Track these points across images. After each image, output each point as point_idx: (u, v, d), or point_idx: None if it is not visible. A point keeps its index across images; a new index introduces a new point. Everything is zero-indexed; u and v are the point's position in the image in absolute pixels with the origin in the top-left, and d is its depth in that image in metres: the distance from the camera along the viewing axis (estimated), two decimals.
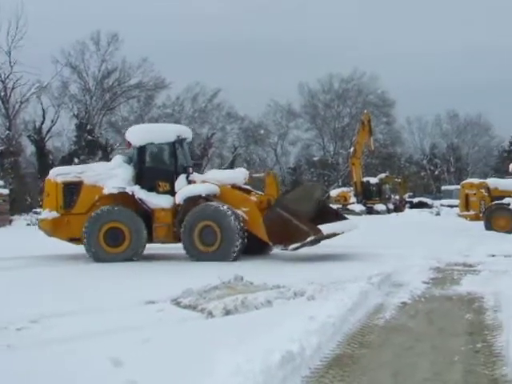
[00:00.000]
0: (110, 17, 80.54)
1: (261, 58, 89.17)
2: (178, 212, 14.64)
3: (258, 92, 79.13)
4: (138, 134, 15.67)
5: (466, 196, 24.87)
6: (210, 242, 14.14)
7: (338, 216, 15.75)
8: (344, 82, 68.70)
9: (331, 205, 23.97)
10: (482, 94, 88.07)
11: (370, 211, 39.73)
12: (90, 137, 52.10)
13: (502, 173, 43.45)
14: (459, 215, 26.10)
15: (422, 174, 72.36)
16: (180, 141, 15.44)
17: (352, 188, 43.66)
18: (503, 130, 70.09)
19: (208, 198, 14.53)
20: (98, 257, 14.63)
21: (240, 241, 13.97)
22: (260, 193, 15.61)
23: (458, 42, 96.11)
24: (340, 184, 59.63)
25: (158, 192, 14.97)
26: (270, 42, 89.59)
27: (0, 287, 10.32)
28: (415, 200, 50.20)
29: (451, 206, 38.48)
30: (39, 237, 16.24)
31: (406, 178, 52.44)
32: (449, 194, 48.24)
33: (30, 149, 53.17)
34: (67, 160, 50.02)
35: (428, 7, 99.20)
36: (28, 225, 31.76)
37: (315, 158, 69.00)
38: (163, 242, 15.05)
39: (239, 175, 15.63)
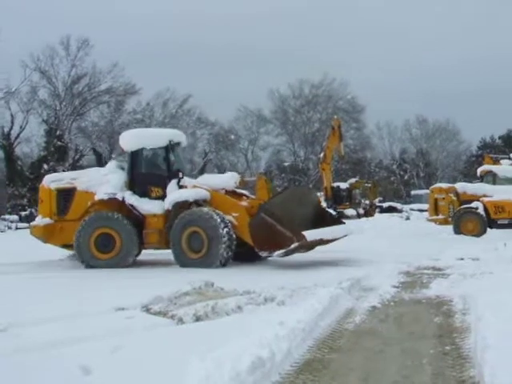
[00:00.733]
0: (80, 21, 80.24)
1: (231, 64, 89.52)
2: (168, 217, 14.48)
3: (229, 97, 79.65)
4: (130, 139, 15.54)
5: (435, 200, 25.09)
6: (198, 248, 13.92)
7: (335, 221, 15.43)
8: (314, 87, 69.10)
9: None
10: (449, 99, 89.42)
11: (341, 216, 39.82)
12: (59, 142, 51.72)
13: (470, 177, 43.97)
14: (428, 219, 26.31)
15: (392, 178, 72.97)
16: (172, 145, 15.27)
17: (322, 193, 43.80)
18: (471, 134, 71.16)
19: (199, 203, 14.36)
20: (88, 263, 14.58)
21: (227, 247, 13.72)
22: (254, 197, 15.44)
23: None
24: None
25: (151, 197, 14.86)
26: (241, 48, 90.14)
27: None
28: (385, 205, 50.64)
29: (421, 211, 38.87)
30: (11, 242, 16.07)
31: (376, 182, 52.70)
32: (418, 199, 48.79)
33: None
34: (36, 166, 49.64)
35: (395, 14, 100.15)
36: None
37: (286, 164, 69.22)
38: (157, 248, 14.92)
39: (230, 180, 15.36)
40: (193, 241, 13.97)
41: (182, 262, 14.01)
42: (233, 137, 67.87)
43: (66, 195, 15.47)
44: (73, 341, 6.35)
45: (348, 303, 8.61)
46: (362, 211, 42.51)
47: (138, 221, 14.80)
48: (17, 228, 38.43)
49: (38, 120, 55.87)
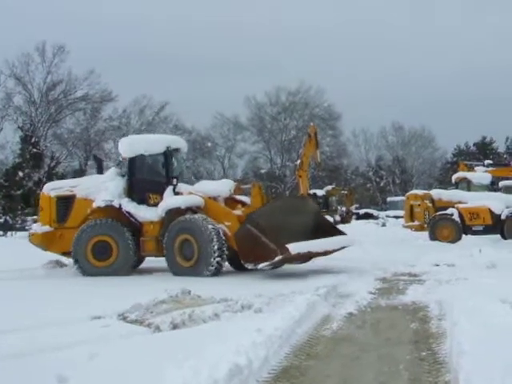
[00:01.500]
0: (56, 28, 79.63)
1: (208, 71, 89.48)
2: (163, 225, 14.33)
3: (206, 105, 79.52)
4: (128, 146, 15.37)
5: (411, 207, 25.31)
6: (189, 256, 13.69)
7: (335, 231, 14.77)
8: (291, 95, 69.13)
9: None
10: (425, 106, 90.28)
11: None
12: (34, 149, 51.22)
13: (445, 184, 44.30)
14: (404, 226, 26.54)
15: (368, 185, 73.30)
16: (170, 152, 15.01)
17: None
18: (446, 141, 71.76)
19: (195, 210, 14.15)
20: (85, 271, 14.49)
21: (218, 256, 13.38)
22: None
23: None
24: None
25: (149, 204, 14.69)
26: (217, 56, 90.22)
27: None
28: (361, 211, 50.90)
29: (397, 217, 39.17)
30: None
31: (353, 189, 52.91)
32: (394, 205, 49.12)
33: None
34: (11, 173, 49.11)
35: (370, 23, 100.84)
36: None
37: (262, 171, 69.15)
38: (155, 256, 14.74)
39: (225, 187, 15.12)
40: (185, 249, 13.74)
41: (175, 270, 13.78)
42: (209, 144, 67.72)
43: (65, 203, 15.40)
44: (48, 349, 6.30)
45: (325, 310, 8.63)
46: (338, 218, 42.59)
47: (136, 228, 14.66)
48: None
49: (13, 127, 55.33)
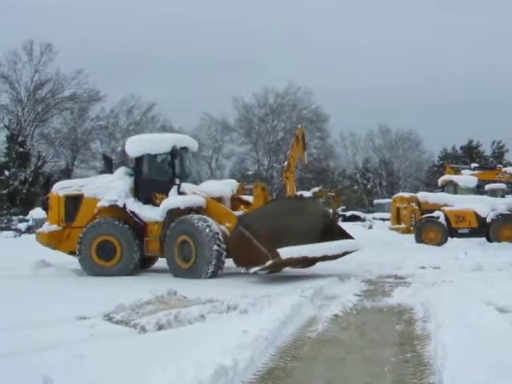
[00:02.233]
0: (44, 27, 79.48)
1: (196, 72, 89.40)
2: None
3: (193, 105, 79.35)
4: (135, 145, 15.23)
5: (398, 209, 25.30)
6: (188, 257, 13.47)
7: (342, 234, 14.20)
8: (279, 96, 69.12)
9: None
10: (412, 109, 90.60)
11: None
12: (21, 149, 51.08)
13: (432, 187, 44.62)
14: (391, 228, 26.55)
15: (355, 187, 73.57)
16: (177, 151, 14.75)
17: None
18: (433, 144, 72.08)
19: (197, 210, 13.96)
20: (89, 270, 14.46)
21: (215, 258, 13.14)
22: None
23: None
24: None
25: (155, 204, 14.52)
26: (206, 56, 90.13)
27: None
28: (348, 213, 51.00)
29: (383, 220, 39.30)
30: None
31: (340, 191, 52.96)
32: (381, 208, 49.30)
33: None
34: None
35: (357, 28, 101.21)
36: None
37: (250, 172, 69.09)
38: (160, 256, 14.68)
39: (227, 187, 14.91)
40: (184, 250, 13.56)
41: (174, 271, 13.62)
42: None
43: (73, 202, 15.34)
44: (34, 349, 6.28)
45: (310, 312, 8.65)
46: None
47: (140, 228, 14.57)
48: None
49: (0, 126, 55.19)
